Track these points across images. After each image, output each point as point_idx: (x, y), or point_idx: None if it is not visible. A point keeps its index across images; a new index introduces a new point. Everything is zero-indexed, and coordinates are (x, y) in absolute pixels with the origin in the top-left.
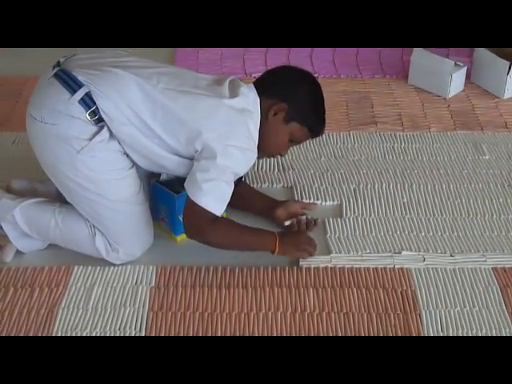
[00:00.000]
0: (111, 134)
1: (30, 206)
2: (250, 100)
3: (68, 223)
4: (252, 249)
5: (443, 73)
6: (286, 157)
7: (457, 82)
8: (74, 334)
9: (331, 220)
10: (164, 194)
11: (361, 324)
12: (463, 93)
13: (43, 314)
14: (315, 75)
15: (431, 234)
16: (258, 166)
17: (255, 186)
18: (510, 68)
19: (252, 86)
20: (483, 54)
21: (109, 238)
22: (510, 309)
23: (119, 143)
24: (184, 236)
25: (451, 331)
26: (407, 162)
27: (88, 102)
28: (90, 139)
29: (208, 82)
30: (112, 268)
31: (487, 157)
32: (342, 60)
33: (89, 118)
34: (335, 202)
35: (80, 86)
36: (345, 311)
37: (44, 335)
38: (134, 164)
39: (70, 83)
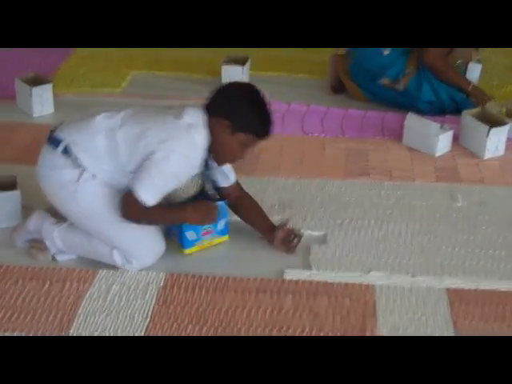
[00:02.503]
0: (93, 173)
1: (65, 229)
2: (195, 118)
3: (92, 243)
4: (175, 223)
5: (431, 135)
6: (286, 194)
7: (444, 143)
8: (93, 318)
9: (316, 245)
10: None
11: (324, 322)
12: (450, 153)
13: (70, 301)
14: (322, 135)
15: (399, 259)
16: (263, 201)
17: None
18: (489, 132)
19: (201, 108)
20: (468, 119)
21: (123, 253)
22: (454, 317)
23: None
24: (190, 250)
25: (400, 331)
26: (389, 205)
27: (68, 152)
28: (78, 180)
29: (163, 110)
30: (129, 272)
31: (460, 204)
32: (349, 123)
33: (71, 164)
34: (322, 232)
35: (60, 141)
36: (314, 311)
37: (70, 318)
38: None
39: (54, 141)
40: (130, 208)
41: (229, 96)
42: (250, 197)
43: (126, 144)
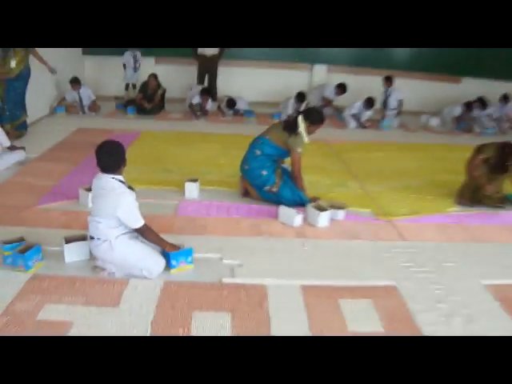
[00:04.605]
0: (115, 236)
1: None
2: (112, 182)
3: (131, 270)
4: (159, 245)
5: (291, 216)
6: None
7: (298, 220)
8: (131, 296)
9: (238, 268)
10: (165, 253)
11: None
12: (302, 224)
13: (113, 295)
14: (237, 216)
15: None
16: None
17: None
18: (319, 214)
19: (107, 176)
20: (310, 208)
21: (146, 270)
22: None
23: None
24: (174, 270)
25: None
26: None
27: (100, 238)
28: (111, 244)
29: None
30: (146, 281)
31: (306, 248)
32: (251, 210)
33: (103, 240)
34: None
35: (93, 236)
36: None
37: (117, 300)
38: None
39: (91, 237)
40: (140, 231)
41: (106, 156)
42: None
43: (104, 213)
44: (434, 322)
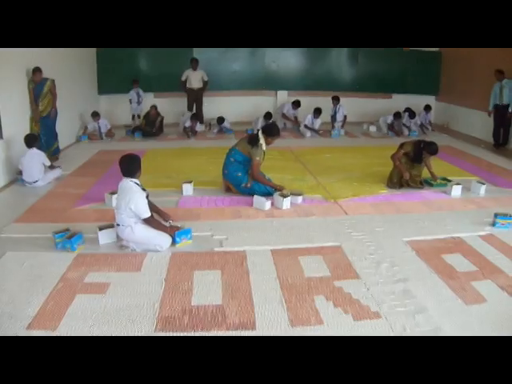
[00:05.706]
0: (134, 222)
1: (137, 246)
2: (130, 184)
3: (147, 246)
4: (163, 231)
5: (263, 202)
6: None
7: (268, 205)
8: (148, 263)
9: (224, 240)
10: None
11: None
12: (270, 208)
13: (138, 260)
14: (222, 206)
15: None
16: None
17: None
18: (283, 200)
19: (128, 179)
20: (276, 196)
21: (159, 245)
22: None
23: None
24: (178, 244)
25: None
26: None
27: (123, 225)
28: (132, 227)
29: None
30: (161, 251)
31: (275, 223)
32: (233, 201)
33: (125, 226)
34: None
35: (118, 223)
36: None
37: (140, 264)
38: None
39: (118, 224)
40: (146, 221)
41: (127, 164)
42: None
43: (124, 206)
44: (367, 267)
